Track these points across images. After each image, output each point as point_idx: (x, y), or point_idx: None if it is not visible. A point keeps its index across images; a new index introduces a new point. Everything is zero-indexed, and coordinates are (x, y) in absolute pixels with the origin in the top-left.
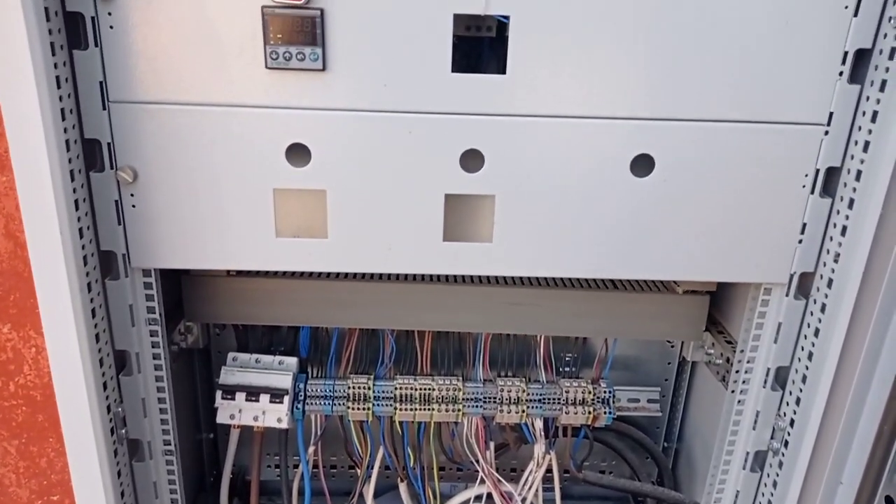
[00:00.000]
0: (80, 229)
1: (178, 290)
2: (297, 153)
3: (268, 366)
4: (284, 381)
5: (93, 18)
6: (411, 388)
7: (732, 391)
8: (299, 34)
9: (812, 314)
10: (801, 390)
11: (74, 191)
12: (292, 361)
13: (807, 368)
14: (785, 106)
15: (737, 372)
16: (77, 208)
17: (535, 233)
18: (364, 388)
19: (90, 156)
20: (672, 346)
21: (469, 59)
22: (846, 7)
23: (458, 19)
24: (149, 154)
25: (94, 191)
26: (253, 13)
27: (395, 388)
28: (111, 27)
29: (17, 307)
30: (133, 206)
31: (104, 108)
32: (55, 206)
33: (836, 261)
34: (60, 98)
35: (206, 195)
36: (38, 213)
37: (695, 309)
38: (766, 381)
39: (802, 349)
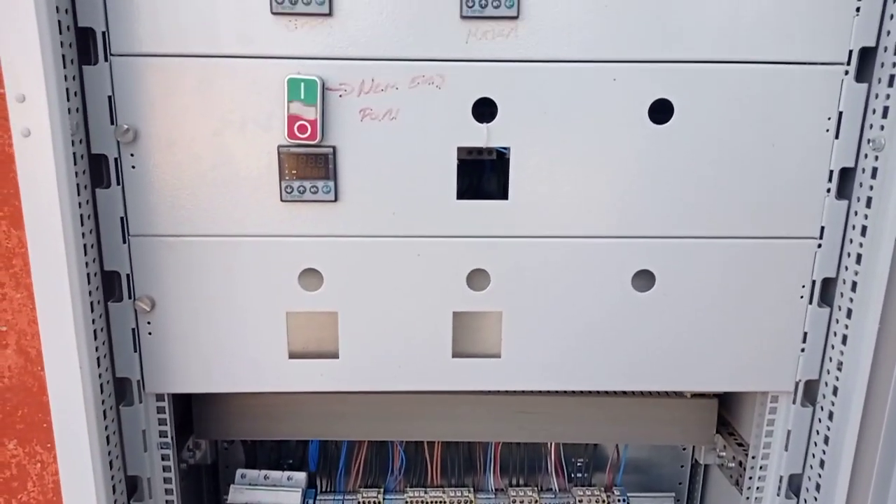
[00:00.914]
0: (98, 358)
1: (187, 405)
2: (310, 277)
3: (277, 482)
4: (294, 498)
5: (116, 160)
6: (422, 501)
7: (747, 498)
8: (313, 169)
9: (820, 421)
10: (815, 499)
11: (93, 321)
12: (301, 477)
13: (819, 476)
14: (778, 221)
15: (750, 478)
16: (95, 338)
17: (543, 347)
18: (374, 502)
19: (109, 287)
20: (684, 449)
21: (472, 178)
22: (827, 130)
23: (462, 147)
24: (166, 284)
25: (112, 319)
26: (269, 151)
27: (406, 502)
28: (133, 167)
29: (25, 422)
30: (149, 334)
31: (124, 242)
32: (75, 338)
33: (839, 368)
34: (83, 235)
35: (221, 321)
36: (58, 344)
37: (704, 412)
38: (779, 489)
39: (814, 456)
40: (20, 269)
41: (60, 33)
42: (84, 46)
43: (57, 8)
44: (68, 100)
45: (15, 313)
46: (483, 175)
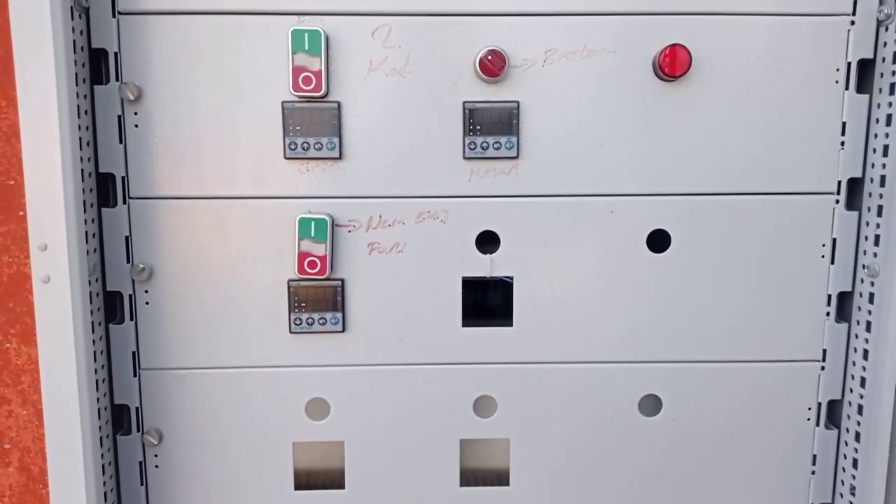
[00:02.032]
0: (105, 493)
1: None
2: (317, 407)
3: None
4: None
5: (130, 296)
6: None
7: None
8: (321, 302)
9: None
10: None
11: (102, 455)
12: None
13: None
14: (780, 345)
15: None
16: (103, 472)
17: (552, 474)
18: None
19: (119, 420)
20: None
21: (477, 295)
22: (822, 256)
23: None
24: (174, 416)
25: (120, 452)
26: (279, 285)
27: None
28: (147, 303)
29: None
30: (156, 467)
31: (135, 375)
32: (83, 475)
33: (852, 493)
34: (96, 371)
35: (227, 453)
36: (66, 481)
37: None
38: None
39: None
40: (28, 385)
41: (83, 181)
42: (104, 189)
43: (81, 158)
44: (87, 241)
45: (20, 430)
46: (487, 292)
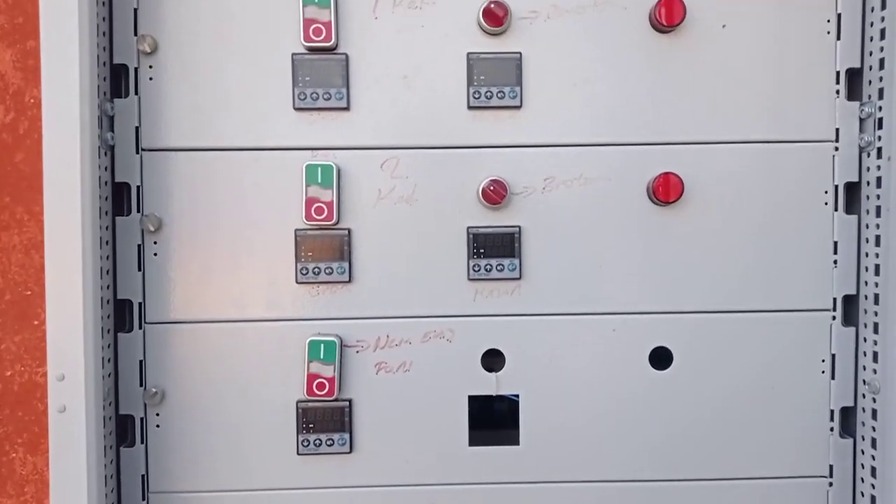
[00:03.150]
0: None
1: None
2: None
3: None
4: None
5: (142, 419)
6: None
7: None
8: (329, 422)
9: None
10: None
11: None
12: None
13: None
14: (784, 462)
15: None
16: None
17: None
18: None
19: None
20: None
21: (482, 405)
22: (823, 372)
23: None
24: None
25: None
26: (288, 406)
27: None
28: (157, 426)
29: None
30: None
31: (143, 499)
32: None
33: None
34: (106, 496)
35: None
36: None
37: None
38: None
39: None
40: (31, 496)
41: (101, 308)
42: (121, 314)
43: (101, 287)
44: (102, 367)
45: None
46: (494, 409)
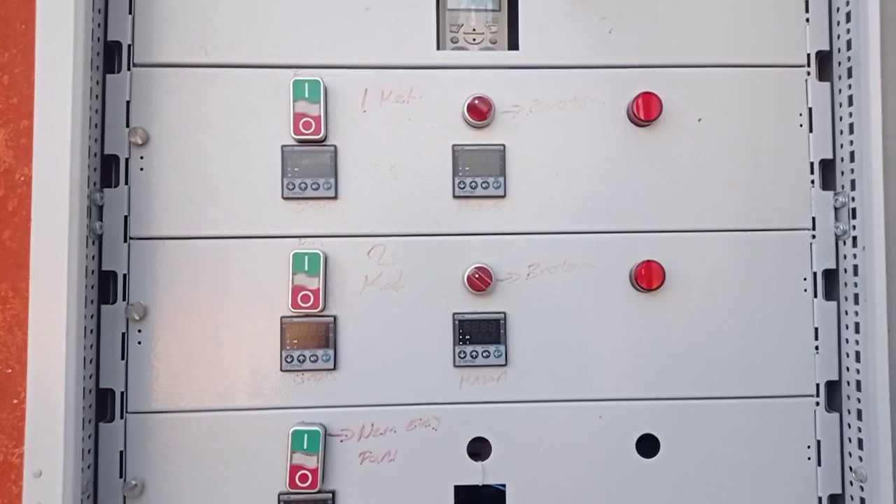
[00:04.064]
0: None
1: None
2: None
3: None
4: None
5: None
6: None
7: None
8: None
9: None
10: None
11: None
12: None
13: None
14: None
15: None
16: None
17: None
18: None
19: None
20: None
21: (469, 497)
22: (809, 458)
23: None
24: None
25: None
26: (269, 499)
27: None
28: None
29: None
30: None
31: None
32: None
33: None
34: None
35: None
36: None
37: None
38: None
39: None
40: None
41: (83, 398)
42: (102, 404)
43: (84, 376)
44: (82, 458)
45: None
46: (480, 494)
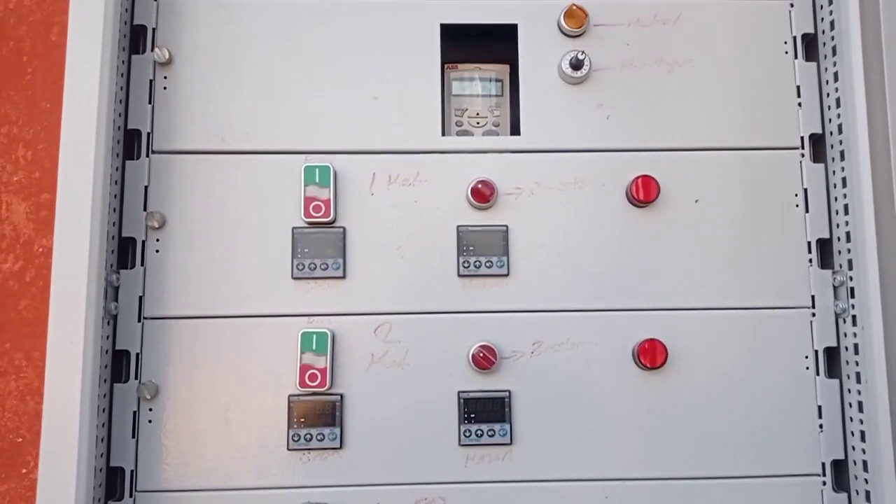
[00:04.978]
0: None
1: None
2: None
3: None
4: None
5: None
6: None
7: None
8: None
9: None
10: None
11: None
12: None
13: None
14: None
15: None
16: None
17: None
18: None
19: None
20: None
21: None
22: None
23: None
24: None
25: None
26: None
27: None
28: None
29: None
30: None
31: None
32: None
33: None
34: None
35: None
36: None
37: None
38: None
39: None
40: None
41: (94, 476)
42: (112, 482)
43: (95, 455)
44: None
45: None
46: None
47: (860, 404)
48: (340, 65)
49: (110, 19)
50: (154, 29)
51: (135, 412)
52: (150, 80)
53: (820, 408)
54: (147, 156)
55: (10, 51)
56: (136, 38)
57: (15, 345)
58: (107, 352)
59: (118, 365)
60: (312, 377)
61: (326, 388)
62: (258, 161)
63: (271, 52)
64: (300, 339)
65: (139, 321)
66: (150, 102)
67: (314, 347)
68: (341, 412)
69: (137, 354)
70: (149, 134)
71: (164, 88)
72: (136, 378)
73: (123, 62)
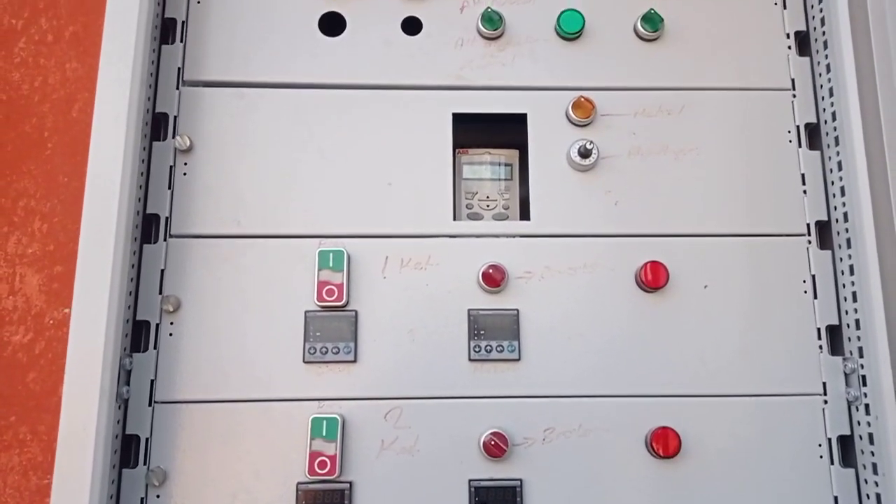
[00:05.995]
0: None
1: None
2: None
3: None
4: None
5: None
6: None
7: None
8: None
9: None
10: None
11: None
12: None
13: None
14: None
15: None
16: None
17: None
18: None
19: None
20: None
21: None
22: None
23: None
24: None
25: None
26: None
27: None
28: None
29: None
30: None
31: None
32: None
33: None
34: None
35: None
36: None
37: None
38: None
39: None
40: None
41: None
42: None
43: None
44: None
45: None
46: None
47: (878, 496)
48: (355, 151)
49: (134, 108)
50: (176, 117)
51: (142, 498)
52: (171, 167)
53: (836, 498)
54: (165, 240)
55: (32, 126)
56: (157, 126)
57: (20, 418)
58: (116, 436)
59: (127, 448)
60: (322, 464)
61: (336, 475)
62: (273, 245)
63: (288, 139)
64: (310, 425)
65: (150, 405)
66: (169, 188)
67: (324, 434)
68: (350, 501)
69: (147, 439)
70: (167, 218)
71: (184, 175)
72: (144, 464)
73: (145, 149)
